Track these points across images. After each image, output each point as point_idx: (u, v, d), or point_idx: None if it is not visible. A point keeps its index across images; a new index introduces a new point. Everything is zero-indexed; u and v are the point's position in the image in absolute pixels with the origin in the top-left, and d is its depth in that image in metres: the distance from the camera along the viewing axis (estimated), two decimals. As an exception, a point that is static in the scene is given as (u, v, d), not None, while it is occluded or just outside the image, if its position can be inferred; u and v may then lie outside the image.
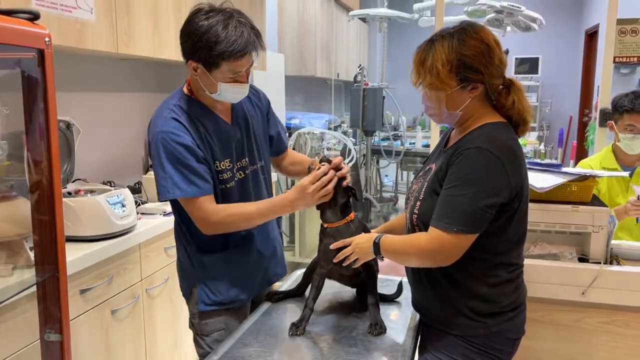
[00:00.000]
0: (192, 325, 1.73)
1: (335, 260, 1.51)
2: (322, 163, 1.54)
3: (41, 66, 1.26)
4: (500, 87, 1.39)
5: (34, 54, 1.26)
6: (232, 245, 1.68)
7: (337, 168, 1.54)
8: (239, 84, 1.55)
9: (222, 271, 1.67)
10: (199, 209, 1.53)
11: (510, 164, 1.30)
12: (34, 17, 1.27)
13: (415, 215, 1.42)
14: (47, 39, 1.27)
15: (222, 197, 1.61)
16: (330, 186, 1.51)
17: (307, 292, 1.62)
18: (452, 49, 1.32)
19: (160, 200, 1.55)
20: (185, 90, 1.62)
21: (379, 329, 1.51)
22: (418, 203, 1.42)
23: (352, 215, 1.56)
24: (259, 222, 1.61)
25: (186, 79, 1.64)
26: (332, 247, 1.50)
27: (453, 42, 1.33)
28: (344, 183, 1.54)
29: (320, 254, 1.57)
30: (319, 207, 1.56)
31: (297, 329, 1.51)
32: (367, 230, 1.60)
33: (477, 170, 1.29)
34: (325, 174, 1.51)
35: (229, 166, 1.62)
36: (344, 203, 1.56)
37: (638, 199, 2.23)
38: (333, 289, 1.77)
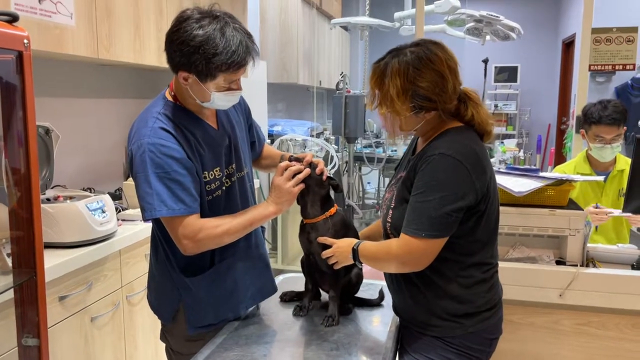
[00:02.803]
0: (167, 342, 1.65)
1: (322, 257, 1.54)
2: (292, 162, 1.53)
3: (20, 69, 1.25)
4: (457, 103, 1.41)
5: (13, 56, 1.25)
6: (217, 263, 1.57)
7: (312, 164, 1.54)
8: (233, 92, 1.47)
9: (210, 291, 1.56)
10: (183, 227, 1.41)
11: (473, 167, 1.33)
12: (12, 19, 1.26)
13: (389, 224, 1.46)
14: (25, 41, 1.26)
15: (209, 207, 1.52)
16: (302, 176, 1.50)
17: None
18: (407, 78, 1.34)
19: (144, 218, 1.42)
20: (168, 96, 1.52)
21: (330, 321, 1.56)
22: (390, 212, 1.46)
23: (332, 210, 1.58)
24: (245, 233, 1.52)
25: (168, 84, 1.56)
26: (318, 240, 1.54)
27: (409, 71, 1.34)
28: (323, 177, 1.55)
29: (302, 247, 1.64)
30: (299, 202, 1.57)
31: (302, 310, 1.63)
32: (348, 226, 1.62)
33: (441, 176, 1.32)
34: (299, 172, 1.51)
35: (218, 175, 1.54)
36: (325, 196, 1.57)
37: (596, 207, 2.30)
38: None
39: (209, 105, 1.49)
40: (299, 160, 1.54)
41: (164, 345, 1.70)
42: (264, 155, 1.87)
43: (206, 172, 1.51)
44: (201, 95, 1.45)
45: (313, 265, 1.64)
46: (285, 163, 1.53)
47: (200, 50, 1.35)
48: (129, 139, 1.46)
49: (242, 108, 1.73)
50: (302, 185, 1.52)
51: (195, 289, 1.55)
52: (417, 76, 1.34)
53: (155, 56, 2.65)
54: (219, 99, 1.46)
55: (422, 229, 1.32)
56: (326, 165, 4.46)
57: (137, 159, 1.40)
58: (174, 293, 1.57)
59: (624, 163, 2.59)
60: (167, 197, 1.38)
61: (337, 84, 5.16)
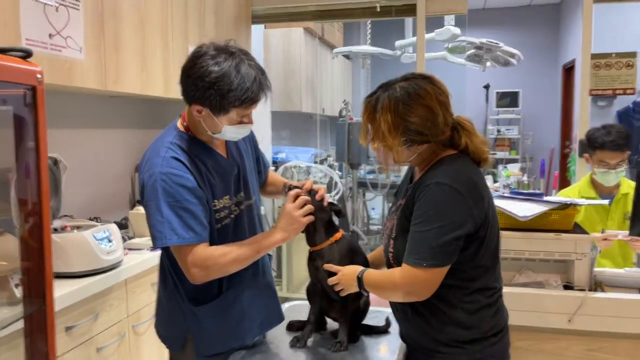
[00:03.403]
0: None
1: (329, 283, 1.53)
2: (291, 190, 1.55)
3: (33, 103, 1.28)
4: (450, 134, 1.42)
5: (26, 90, 1.28)
6: (224, 291, 1.58)
7: (312, 191, 1.55)
8: (244, 125, 1.51)
9: (217, 320, 1.57)
10: (193, 256, 1.42)
11: (470, 194, 1.34)
12: (26, 54, 1.30)
13: (391, 254, 1.47)
14: (39, 76, 1.30)
15: (218, 236, 1.53)
16: (310, 206, 1.51)
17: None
18: (397, 114, 1.36)
19: (155, 246, 1.45)
20: (180, 126, 1.55)
21: (339, 346, 1.54)
22: (391, 242, 1.47)
23: (337, 235, 1.58)
24: (253, 260, 1.52)
25: (180, 114, 1.59)
26: (324, 267, 1.54)
27: (398, 107, 1.36)
28: (324, 203, 1.56)
29: (309, 275, 1.63)
30: (303, 230, 1.57)
31: (299, 341, 1.57)
32: (355, 251, 1.62)
33: (438, 205, 1.33)
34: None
35: (227, 204, 1.56)
36: (328, 222, 1.58)
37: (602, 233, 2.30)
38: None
39: (220, 137, 1.53)
40: (298, 188, 1.56)
41: (170, 375, 1.68)
42: (268, 182, 1.89)
43: (216, 201, 1.53)
44: (213, 127, 1.49)
45: (320, 293, 1.63)
46: (296, 191, 1.53)
47: (215, 86, 1.39)
48: (140, 168, 1.49)
49: (250, 138, 1.75)
50: (311, 217, 1.52)
51: (203, 318, 1.56)
52: (407, 112, 1.35)
53: (162, 87, 2.69)
54: (230, 132, 1.50)
55: (423, 258, 1.32)
56: (330, 191, 4.49)
57: (149, 187, 1.42)
58: (183, 322, 1.58)
59: (628, 186, 2.59)
60: (178, 226, 1.40)
61: (340, 111, 5.22)
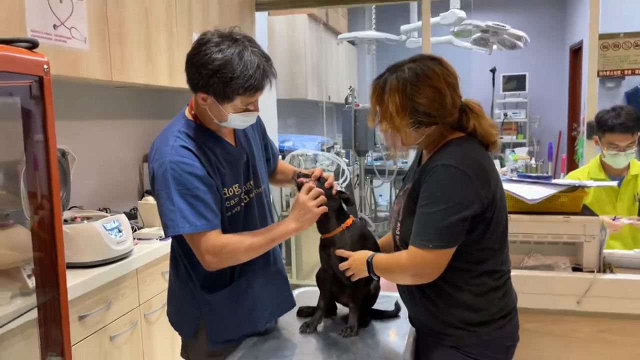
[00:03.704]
0: (188, 358, 1.68)
1: (340, 269, 1.55)
2: (300, 179, 1.57)
3: (40, 94, 1.29)
4: (458, 116, 1.42)
5: (33, 81, 1.29)
6: (236, 278, 1.60)
7: (321, 179, 1.57)
8: (250, 113, 1.52)
9: (229, 306, 1.59)
10: (206, 243, 1.43)
11: (476, 175, 1.34)
12: (32, 45, 1.31)
13: (398, 237, 1.48)
14: (45, 67, 1.31)
15: (229, 224, 1.54)
16: (323, 197, 1.52)
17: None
18: (405, 95, 1.35)
19: (167, 235, 1.46)
20: (188, 115, 1.56)
21: (349, 331, 1.56)
22: (398, 224, 1.47)
23: (348, 221, 1.59)
24: (267, 249, 1.54)
25: (188, 103, 1.59)
26: (336, 253, 1.56)
27: (407, 88, 1.35)
28: (333, 191, 1.57)
29: (321, 262, 1.65)
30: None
31: (309, 327, 1.60)
32: (366, 237, 1.63)
33: (444, 187, 1.33)
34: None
35: (237, 192, 1.57)
36: (338, 209, 1.59)
37: (614, 219, 2.30)
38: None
39: (227, 125, 1.53)
40: (307, 176, 1.57)
41: (181, 361, 1.71)
42: (278, 171, 1.90)
43: (226, 189, 1.54)
44: (219, 115, 1.49)
45: (331, 279, 1.65)
46: (308, 185, 1.54)
47: (219, 74, 1.39)
48: (150, 157, 1.50)
49: (258, 126, 1.75)
50: (325, 208, 1.53)
51: (216, 305, 1.58)
52: (415, 92, 1.35)
53: (167, 77, 2.69)
54: (235, 120, 1.50)
55: (429, 240, 1.33)
56: (337, 179, 4.49)
57: (159, 176, 1.43)
58: (195, 309, 1.59)
59: (638, 168, 2.58)
60: (189, 214, 1.41)
61: (346, 98, 5.20)
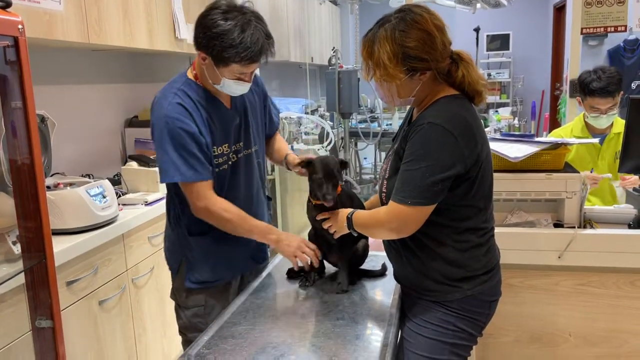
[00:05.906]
0: (174, 297, 1.81)
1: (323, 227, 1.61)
2: (303, 166, 1.64)
3: (17, 56, 1.25)
4: (449, 63, 1.42)
5: (8, 43, 1.25)
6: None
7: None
8: (242, 82, 1.62)
9: (208, 251, 1.73)
10: (197, 193, 1.60)
11: (462, 136, 1.34)
12: (5, 5, 1.26)
13: (384, 194, 1.49)
14: (20, 27, 1.27)
15: (216, 179, 1.67)
16: (309, 259, 1.65)
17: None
18: (395, 41, 1.35)
19: (161, 181, 1.63)
20: (190, 74, 1.67)
21: (338, 288, 1.65)
22: (385, 182, 1.49)
23: (339, 189, 1.61)
24: (241, 234, 1.67)
25: (192, 63, 1.69)
26: (317, 217, 1.62)
27: (395, 34, 1.35)
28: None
29: (311, 223, 1.71)
30: (310, 185, 1.61)
31: (307, 281, 1.69)
32: (351, 197, 1.67)
33: (428, 145, 1.34)
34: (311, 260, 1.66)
35: (226, 151, 1.69)
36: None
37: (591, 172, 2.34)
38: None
39: (219, 88, 1.64)
40: (310, 162, 1.61)
41: (171, 326, 1.76)
42: (276, 148, 1.98)
43: (215, 147, 1.66)
44: (214, 77, 1.61)
45: (322, 239, 1.69)
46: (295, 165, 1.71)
47: (219, 38, 1.51)
48: (152, 109, 1.64)
49: (260, 90, 1.87)
50: (305, 257, 1.65)
51: (196, 248, 1.73)
52: (405, 37, 1.34)
53: (146, 39, 2.63)
54: (228, 85, 1.62)
55: (408, 196, 1.34)
56: (322, 142, 4.48)
57: (157, 128, 1.59)
58: (180, 249, 1.76)
59: (621, 126, 2.60)
60: (180, 165, 1.57)
61: (330, 60, 5.14)
